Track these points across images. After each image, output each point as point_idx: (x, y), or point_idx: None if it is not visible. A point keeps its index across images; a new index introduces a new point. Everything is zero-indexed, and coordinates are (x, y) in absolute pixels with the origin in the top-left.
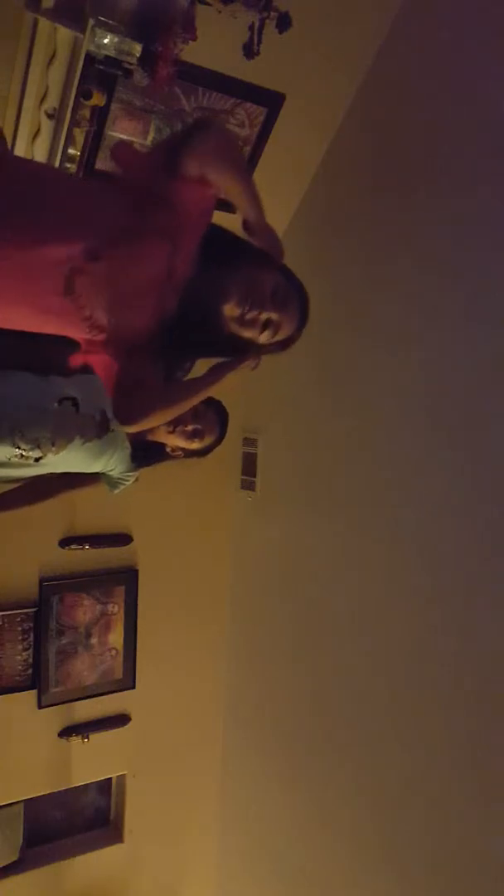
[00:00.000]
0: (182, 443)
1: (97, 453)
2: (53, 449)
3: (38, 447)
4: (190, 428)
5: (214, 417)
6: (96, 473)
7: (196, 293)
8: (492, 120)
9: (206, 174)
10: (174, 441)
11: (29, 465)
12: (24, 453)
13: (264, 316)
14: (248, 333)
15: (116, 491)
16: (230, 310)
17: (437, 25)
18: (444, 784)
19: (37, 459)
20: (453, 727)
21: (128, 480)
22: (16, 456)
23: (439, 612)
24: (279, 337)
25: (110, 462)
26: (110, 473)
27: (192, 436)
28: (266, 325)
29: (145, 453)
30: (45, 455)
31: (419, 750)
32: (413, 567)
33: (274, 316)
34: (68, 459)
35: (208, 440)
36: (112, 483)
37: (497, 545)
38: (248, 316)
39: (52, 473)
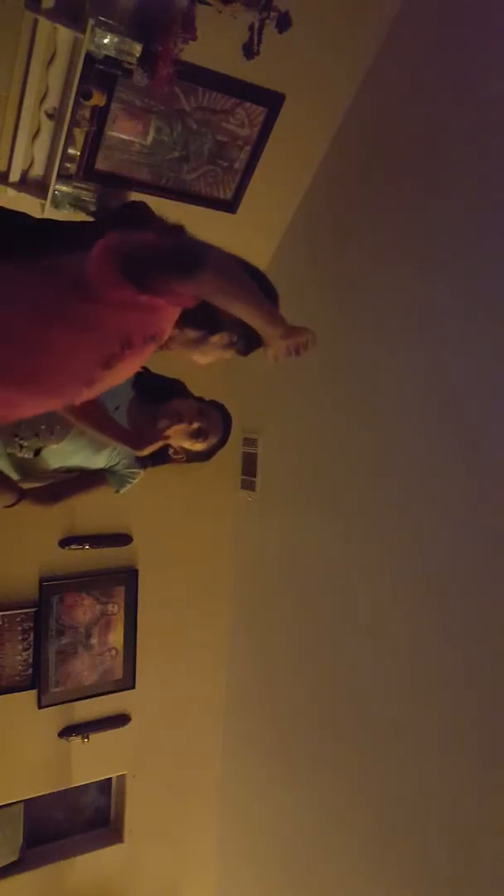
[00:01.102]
0: (186, 442)
1: (99, 445)
2: (53, 438)
3: (37, 436)
4: (195, 426)
5: (219, 418)
6: (103, 475)
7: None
8: (492, 120)
9: (215, 302)
10: (178, 440)
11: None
12: (22, 444)
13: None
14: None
15: (122, 490)
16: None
17: (437, 25)
18: (445, 781)
19: (37, 452)
20: (454, 724)
21: (133, 479)
22: (15, 448)
23: (440, 611)
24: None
25: (114, 455)
26: (115, 468)
27: (197, 435)
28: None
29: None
30: (46, 445)
31: (420, 748)
32: (413, 566)
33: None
34: (69, 451)
35: (212, 440)
36: (118, 480)
37: (498, 544)
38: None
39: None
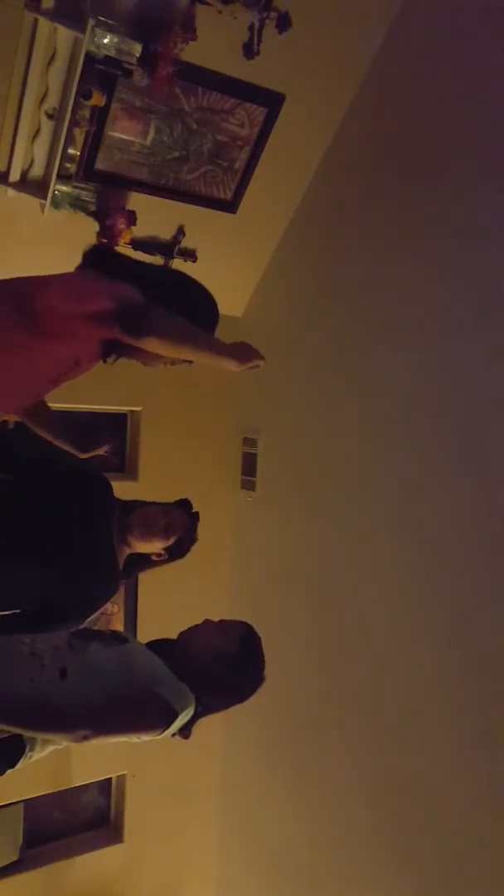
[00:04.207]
0: (159, 545)
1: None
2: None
3: None
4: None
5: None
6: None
7: None
8: (491, 119)
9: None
10: (151, 545)
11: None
12: None
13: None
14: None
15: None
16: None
17: (437, 25)
18: (448, 782)
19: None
20: (458, 723)
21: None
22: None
23: (441, 610)
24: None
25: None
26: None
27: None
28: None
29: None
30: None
31: (422, 747)
32: (414, 565)
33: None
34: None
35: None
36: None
37: (497, 540)
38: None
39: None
